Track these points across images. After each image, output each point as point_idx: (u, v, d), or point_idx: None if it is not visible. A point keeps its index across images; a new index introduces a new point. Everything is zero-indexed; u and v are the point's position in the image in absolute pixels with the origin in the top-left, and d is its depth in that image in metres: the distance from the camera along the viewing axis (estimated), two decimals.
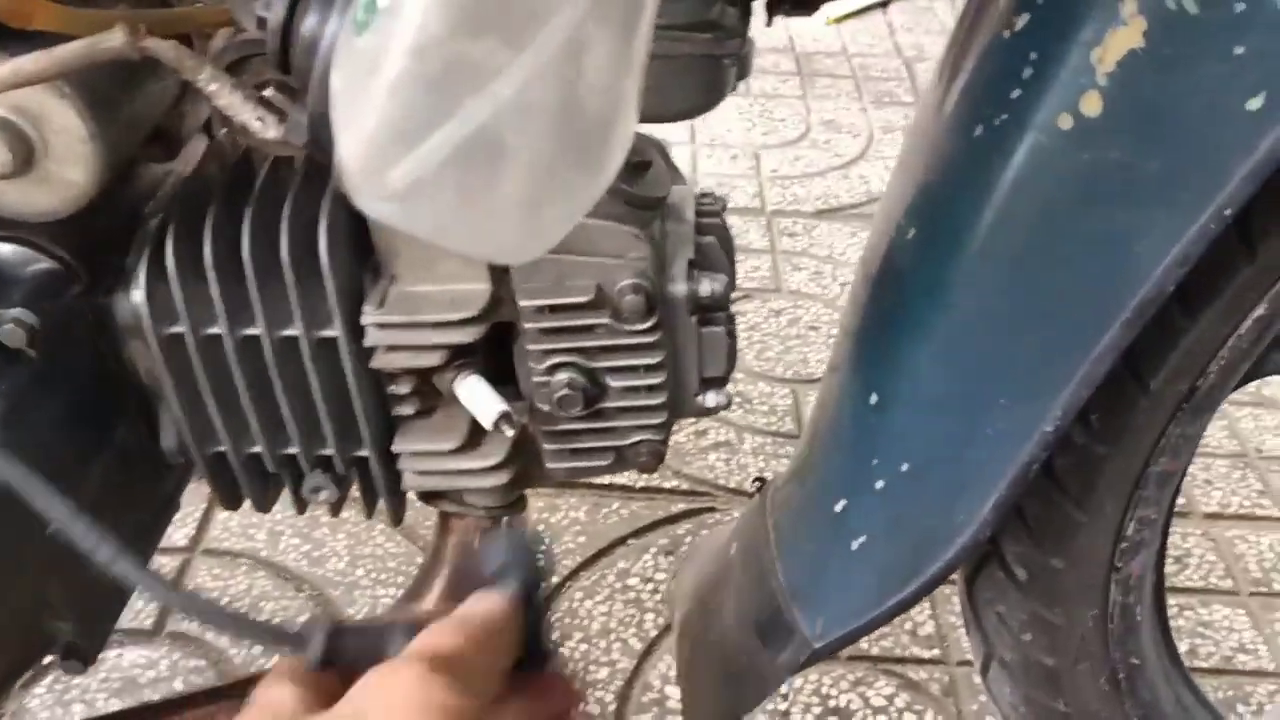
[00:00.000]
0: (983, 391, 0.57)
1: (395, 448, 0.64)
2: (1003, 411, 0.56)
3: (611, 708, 1.13)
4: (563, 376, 0.61)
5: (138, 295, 0.60)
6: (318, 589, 1.26)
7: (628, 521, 1.35)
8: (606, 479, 1.39)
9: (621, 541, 1.33)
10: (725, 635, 0.70)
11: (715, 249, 0.63)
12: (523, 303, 0.59)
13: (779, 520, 0.69)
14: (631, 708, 1.13)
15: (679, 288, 0.61)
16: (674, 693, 1.13)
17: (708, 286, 0.61)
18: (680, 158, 1.59)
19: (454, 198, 0.36)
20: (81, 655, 0.60)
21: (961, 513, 0.58)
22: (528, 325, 0.60)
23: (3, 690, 0.58)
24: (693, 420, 1.47)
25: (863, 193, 1.90)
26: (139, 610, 1.21)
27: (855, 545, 0.62)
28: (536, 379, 0.62)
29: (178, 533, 1.29)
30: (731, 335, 0.64)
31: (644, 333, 0.60)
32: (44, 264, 0.58)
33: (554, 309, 0.59)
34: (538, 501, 1.37)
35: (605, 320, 0.60)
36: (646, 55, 0.37)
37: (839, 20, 2.50)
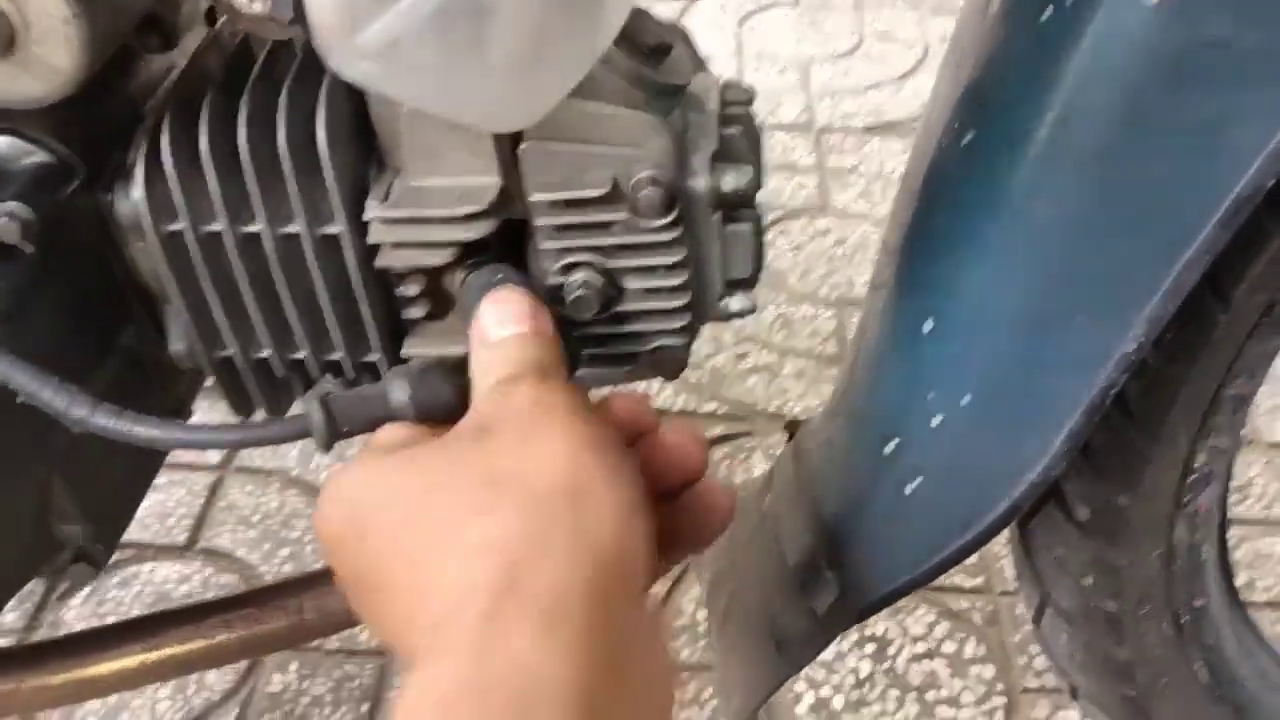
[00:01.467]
0: (1055, 310, 0.52)
1: (405, 352, 0.61)
2: (1078, 332, 0.51)
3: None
4: (578, 276, 0.58)
5: (137, 192, 0.58)
6: None
7: None
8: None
9: None
10: (764, 596, 0.67)
11: (740, 141, 0.59)
12: (533, 197, 0.56)
13: (818, 466, 0.65)
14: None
15: (700, 181, 0.57)
16: (704, 617, 1.12)
17: (732, 180, 0.57)
18: (725, 70, 1.54)
19: (435, 57, 0.33)
20: (92, 559, 0.59)
21: (1030, 447, 0.53)
22: (540, 221, 0.57)
23: (10, 594, 0.57)
24: (732, 341, 1.44)
25: (917, 107, 1.83)
26: (171, 525, 1.22)
27: (909, 489, 0.57)
28: (550, 279, 0.59)
29: (211, 451, 1.29)
30: (758, 234, 0.60)
31: (663, 229, 0.57)
32: (39, 156, 0.56)
33: (567, 204, 0.56)
34: None
35: (622, 215, 0.56)
36: None
37: None
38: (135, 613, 1.13)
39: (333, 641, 1.10)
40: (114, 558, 1.17)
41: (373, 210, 0.56)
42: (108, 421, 0.47)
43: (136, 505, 0.65)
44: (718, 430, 1.34)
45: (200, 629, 0.67)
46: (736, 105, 0.60)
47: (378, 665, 1.10)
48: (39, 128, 0.56)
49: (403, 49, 0.32)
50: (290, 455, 1.31)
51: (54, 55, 0.48)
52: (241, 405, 0.67)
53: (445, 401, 0.51)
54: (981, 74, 0.55)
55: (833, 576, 0.59)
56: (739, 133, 0.59)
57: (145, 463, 0.66)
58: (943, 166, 0.57)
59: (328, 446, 0.49)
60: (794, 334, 1.45)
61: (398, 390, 0.50)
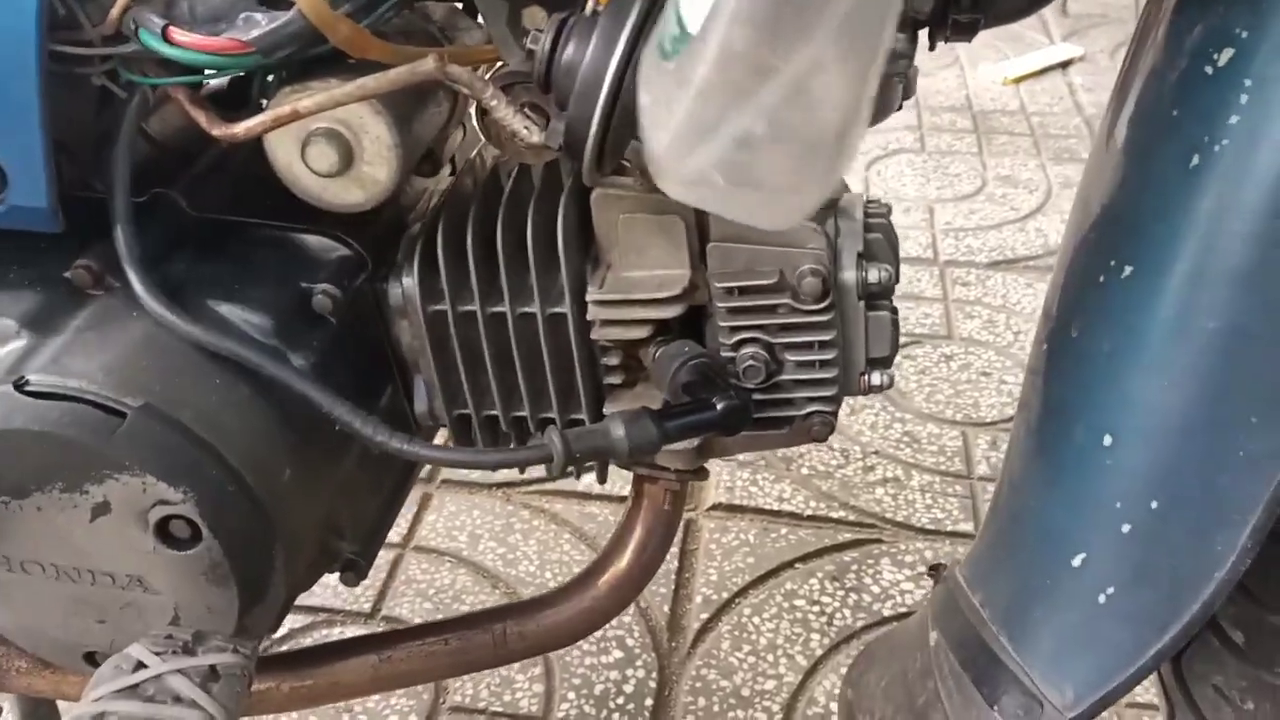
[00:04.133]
0: (1229, 414, 0.56)
1: (606, 411, 0.76)
2: (1252, 432, 0.55)
3: (778, 718, 1.20)
4: (747, 350, 0.72)
5: (409, 281, 0.75)
6: (511, 588, 1.40)
7: (795, 547, 1.44)
8: (776, 504, 1.49)
9: (789, 565, 1.41)
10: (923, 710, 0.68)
11: (881, 243, 0.73)
12: (716, 284, 0.71)
13: (990, 594, 0.66)
14: (797, 718, 1.20)
15: (849, 274, 0.71)
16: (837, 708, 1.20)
17: (875, 274, 0.71)
18: None
19: (733, 180, 0.48)
20: (358, 570, 0.74)
21: (1217, 546, 0.56)
22: (719, 304, 0.72)
23: (299, 592, 0.72)
24: (860, 456, 1.55)
25: (1039, 245, 1.95)
26: (358, 595, 1.37)
27: (1103, 598, 0.59)
28: (724, 353, 0.73)
29: (392, 532, 1.45)
30: (895, 322, 0.74)
31: (819, 312, 0.71)
32: (342, 252, 0.74)
33: (742, 290, 0.71)
34: (709, 523, 1.48)
35: (786, 301, 0.71)
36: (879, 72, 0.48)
37: (1017, 80, 2.56)
38: None
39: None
40: (308, 620, 1.33)
41: (592, 294, 0.72)
42: (401, 444, 0.63)
43: (389, 528, 0.81)
44: (847, 535, 1.44)
45: (423, 645, 0.81)
46: (877, 216, 0.75)
47: None
48: (344, 229, 0.74)
49: (707, 174, 0.47)
50: (460, 538, 1.47)
51: (379, 172, 0.67)
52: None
53: (651, 440, 0.65)
54: (1131, 215, 0.60)
55: (1034, 695, 0.60)
56: (880, 237, 0.74)
57: (398, 493, 0.82)
58: (1102, 298, 0.60)
59: (561, 470, 0.64)
60: (920, 450, 1.55)
61: (615, 428, 0.65)
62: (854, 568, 1.39)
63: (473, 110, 0.69)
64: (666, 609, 1.35)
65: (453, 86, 0.64)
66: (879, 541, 1.42)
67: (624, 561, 0.84)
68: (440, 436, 0.84)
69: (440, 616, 1.36)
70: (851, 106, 0.48)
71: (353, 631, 1.33)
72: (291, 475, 0.66)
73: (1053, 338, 0.65)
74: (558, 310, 0.73)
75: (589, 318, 0.73)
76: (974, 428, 1.59)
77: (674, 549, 1.43)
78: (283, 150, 0.68)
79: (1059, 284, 0.66)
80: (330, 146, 0.66)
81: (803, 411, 0.76)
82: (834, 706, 1.21)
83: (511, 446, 0.72)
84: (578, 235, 0.73)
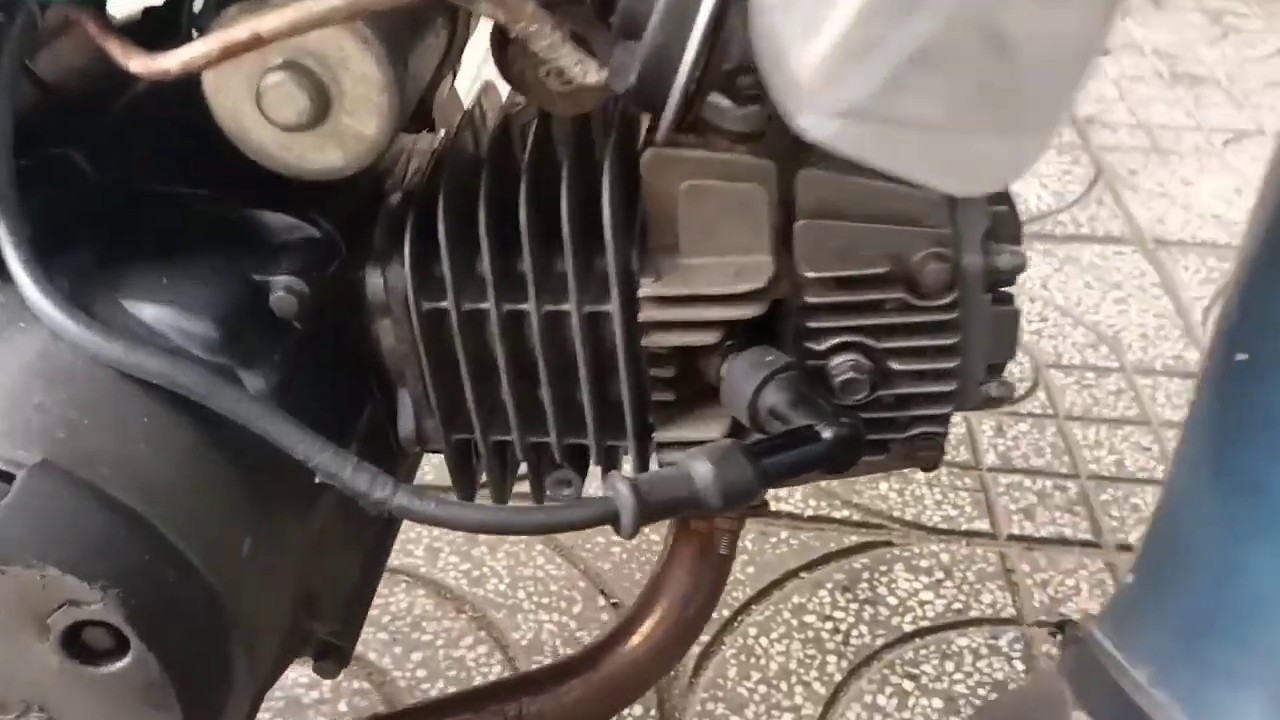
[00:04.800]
0: None
1: (658, 437, 0.59)
2: None
3: None
4: (845, 359, 0.56)
5: (397, 270, 0.57)
6: (479, 610, 1.23)
7: (798, 553, 1.29)
8: (772, 504, 1.34)
9: (794, 574, 1.26)
10: None
11: (1009, 219, 0.58)
12: (808, 274, 0.55)
13: (1163, 671, 0.53)
14: None
15: (974, 260, 0.56)
16: None
17: (1006, 259, 0.56)
18: None
19: (909, 112, 0.32)
20: (339, 655, 0.57)
21: None
22: (810, 300, 0.55)
23: (264, 694, 0.54)
24: None
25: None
26: None
27: None
28: (812, 361, 0.57)
29: None
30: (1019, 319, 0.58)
31: (941, 309, 0.55)
32: (308, 232, 0.56)
33: (843, 281, 0.55)
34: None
35: (899, 295, 0.55)
36: None
37: None
38: (265, 718, 1.09)
39: None
40: None
41: (647, 288, 0.54)
42: (409, 503, 0.46)
43: (370, 601, 0.63)
44: (854, 538, 1.30)
45: None
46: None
47: None
48: (313, 204, 0.56)
49: (883, 106, 0.31)
50: (416, 553, 1.28)
51: (364, 125, 0.48)
52: (467, 487, 0.65)
53: (749, 484, 0.49)
54: None
55: None
56: (1007, 211, 0.58)
57: (381, 545, 0.64)
58: None
59: (634, 530, 0.47)
60: None
61: (700, 469, 0.48)
62: (865, 575, 1.25)
63: (488, 41, 0.51)
64: None
65: (467, 5, 0.46)
66: (889, 544, 1.29)
67: (662, 617, 0.68)
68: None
69: (399, 649, 1.18)
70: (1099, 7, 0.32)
71: (296, 672, 1.14)
72: (253, 545, 0.48)
73: (1235, 363, 0.51)
74: (599, 309, 0.56)
75: (641, 319, 0.55)
76: (977, 413, 1.46)
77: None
78: (229, 94, 0.49)
79: (1241, 302, 0.52)
80: (298, 88, 0.47)
81: (907, 433, 0.60)
82: None
83: (562, 501, 0.55)
84: (626, 211, 0.55)
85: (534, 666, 1.14)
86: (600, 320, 0.57)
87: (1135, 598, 0.58)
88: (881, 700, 1.11)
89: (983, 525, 1.31)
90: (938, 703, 1.10)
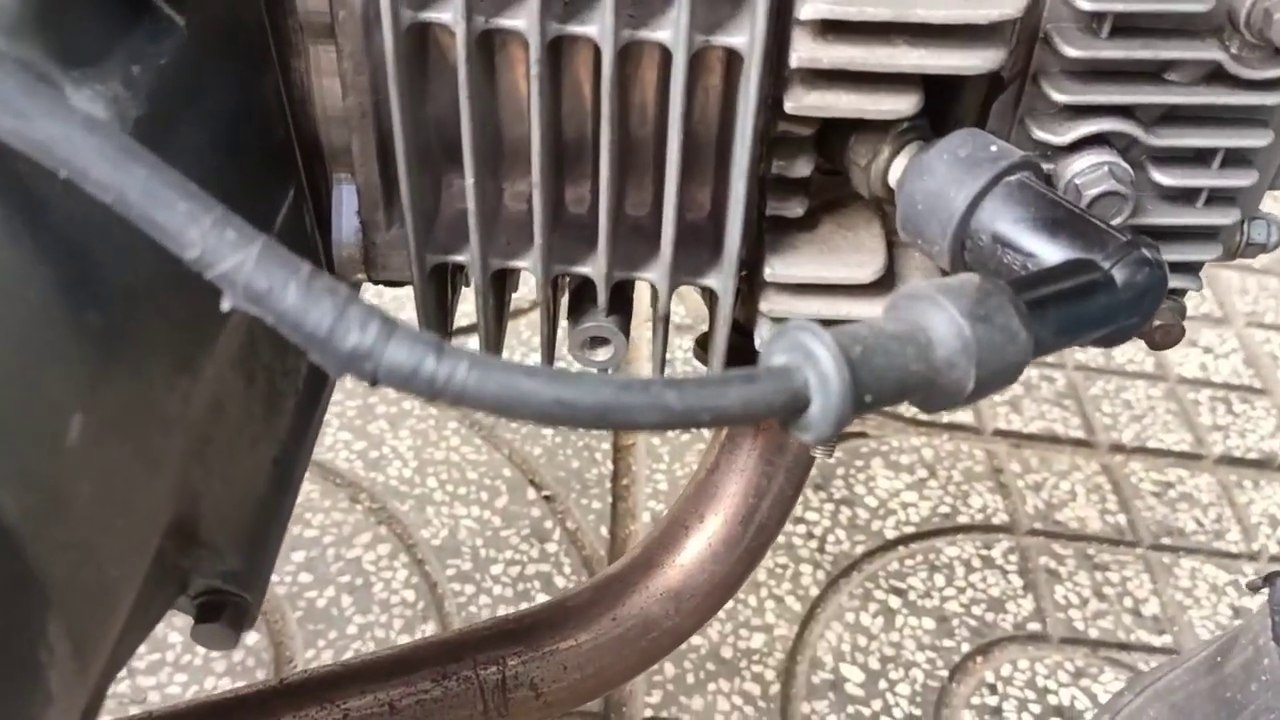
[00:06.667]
0: None
1: (771, 274, 0.37)
2: None
3: (774, 689, 0.88)
4: (1097, 159, 0.35)
5: None
6: (378, 500, 1.00)
7: None
8: None
9: None
10: None
11: None
12: (1082, 3, 0.32)
13: None
14: (799, 689, 0.88)
15: None
16: (851, 673, 0.89)
17: None
18: None
19: None
20: (238, 611, 0.33)
21: None
22: (1069, 51, 0.33)
23: (118, 667, 0.30)
24: None
25: None
26: None
27: None
28: (1043, 162, 0.35)
29: None
30: None
31: (1269, 87, 0.34)
32: None
33: (1127, 28, 0.33)
34: None
35: (1213, 54, 0.33)
36: None
37: None
38: None
39: None
40: None
41: (815, 5, 0.31)
42: (419, 362, 0.22)
43: (284, 530, 0.39)
44: None
45: (361, 712, 0.41)
46: None
47: None
48: None
49: None
50: None
51: None
52: (440, 329, 0.41)
53: (1019, 353, 0.27)
54: None
55: None
56: None
57: (294, 461, 0.39)
58: None
59: (832, 434, 0.25)
60: None
61: (945, 326, 0.26)
62: (840, 472, 1.07)
63: None
64: (605, 532, 0.98)
65: None
66: (864, 435, 1.11)
67: (711, 539, 0.47)
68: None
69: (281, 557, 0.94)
70: None
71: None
72: (84, 430, 0.23)
73: None
74: (724, 41, 0.32)
75: (795, 63, 0.32)
76: None
77: (604, 446, 1.06)
78: None
79: None
80: None
81: None
82: (845, 669, 0.90)
83: (716, 377, 0.32)
84: None
85: (450, 575, 0.93)
86: (709, 66, 0.33)
87: None
88: (865, 619, 0.94)
89: (966, 418, 1.15)
90: (929, 622, 0.94)
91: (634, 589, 0.47)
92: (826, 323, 0.26)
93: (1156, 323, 0.40)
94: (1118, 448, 1.13)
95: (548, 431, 1.07)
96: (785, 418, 0.25)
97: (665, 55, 0.32)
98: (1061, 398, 1.19)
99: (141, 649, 0.76)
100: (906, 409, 1.11)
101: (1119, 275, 0.30)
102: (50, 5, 0.25)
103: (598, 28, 0.32)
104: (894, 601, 0.96)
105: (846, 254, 0.37)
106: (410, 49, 0.33)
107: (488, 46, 0.34)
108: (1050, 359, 1.26)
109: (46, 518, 0.22)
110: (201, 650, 0.86)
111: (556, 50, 0.34)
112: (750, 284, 0.39)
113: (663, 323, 0.40)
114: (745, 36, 0.32)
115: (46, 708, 0.24)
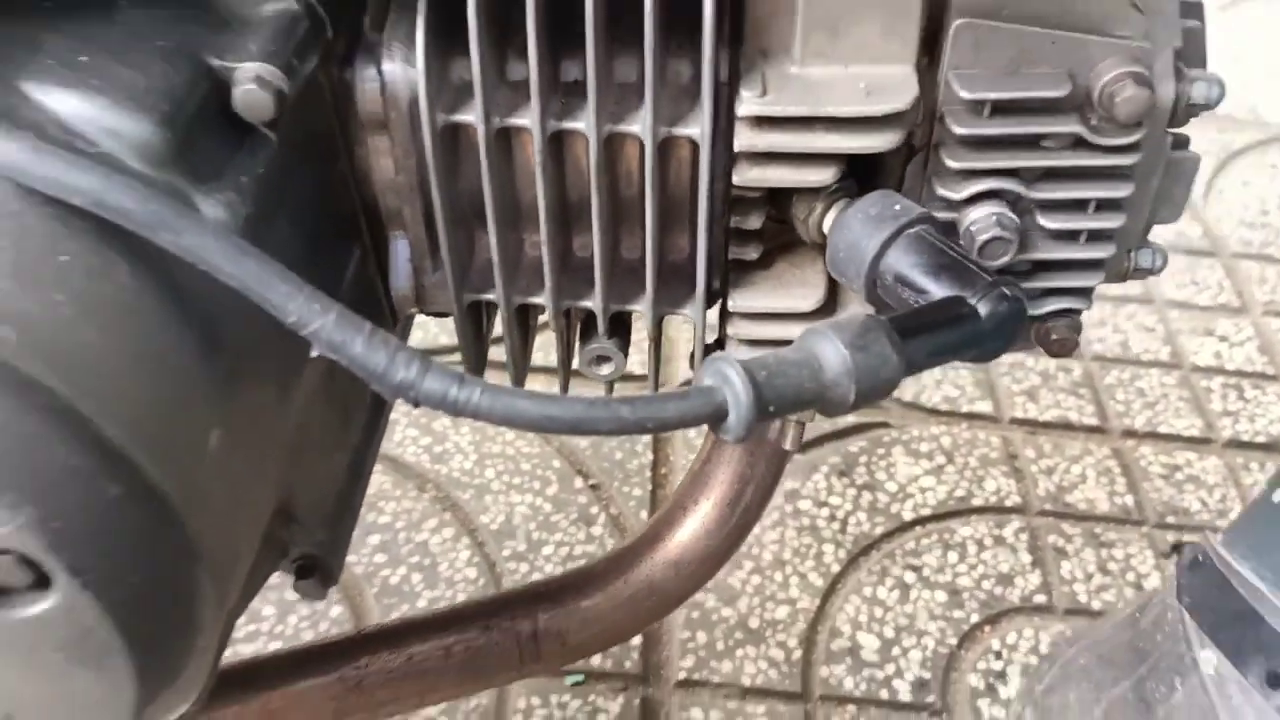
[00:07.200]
0: None
1: (734, 305, 0.47)
2: None
3: (796, 655, 0.98)
4: (988, 211, 0.44)
5: (401, 69, 0.43)
6: (443, 490, 1.11)
7: None
8: None
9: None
10: None
11: (1200, 38, 0.45)
12: (962, 92, 0.41)
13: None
14: (819, 654, 0.98)
15: (1168, 88, 0.43)
16: (867, 641, 0.98)
17: (1204, 90, 0.43)
18: None
19: None
20: (326, 571, 0.44)
21: None
22: (957, 129, 0.42)
23: (240, 612, 0.41)
24: None
25: None
26: None
27: None
28: (941, 213, 0.44)
29: None
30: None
31: (1122, 150, 0.42)
32: (286, 6, 0.40)
33: (1002, 107, 0.42)
34: None
35: (1073, 128, 0.42)
36: None
37: None
38: None
39: None
40: None
41: (750, 104, 0.41)
42: (444, 389, 0.32)
43: (359, 508, 0.50)
44: (849, 420, 1.20)
45: (410, 661, 0.51)
46: None
47: None
48: None
49: None
50: None
51: None
52: (479, 361, 0.52)
53: (891, 373, 0.36)
54: None
55: None
56: (1199, 28, 0.45)
57: (365, 456, 0.50)
58: None
59: (745, 434, 0.35)
60: None
61: (832, 354, 0.36)
62: (863, 459, 1.16)
63: None
64: (645, 516, 1.08)
65: None
66: (886, 425, 1.20)
67: (705, 520, 0.57)
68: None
69: (355, 531, 1.05)
70: None
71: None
72: (221, 439, 0.34)
73: None
74: (683, 132, 0.42)
75: (738, 148, 0.42)
76: None
77: (645, 439, 1.16)
78: None
79: None
80: None
81: (1042, 309, 0.48)
82: (862, 638, 0.99)
83: (655, 394, 0.42)
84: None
85: (506, 555, 1.04)
86: (677, 148, 0.43)
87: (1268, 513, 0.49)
88: (882, 593, 1.03)
89: (985, 407, 1.23)
90: (941, 596, 1.03)
91: (642, 559, 0.57)
92: (781, 343, 0.36)
93: (1054, 336, 0.48)
94: (1129, 433, 1.20)
95: None
96: (711, 424, 0.35)
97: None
98: (1077, 387, 1.26)
99: (241, 620, 0.89)
100: (928, 400, 1.20)
101: (983, 308, 0.39)
102: (184, 140, 0.36)
103: (585, 124, 0.42)
104: (909, 577, 1.05)
105: (794, 288, 0.47)
106: (444, 140, 0.43)
107: (504, 136, 0.44)
108: None
109: (197, 503, 0.33)
110: (291, 621, 0.98)
111: (557, 138, 0.43)
112: (721, 313, 0.48)
113: (654, 343, 0.50)
114: (699, 129, 0.41)
115: (195, 635, 0.34)
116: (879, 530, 1.09)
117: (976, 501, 1.12)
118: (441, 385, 0.34)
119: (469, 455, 1.15)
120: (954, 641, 0.99)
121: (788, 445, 0.54)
